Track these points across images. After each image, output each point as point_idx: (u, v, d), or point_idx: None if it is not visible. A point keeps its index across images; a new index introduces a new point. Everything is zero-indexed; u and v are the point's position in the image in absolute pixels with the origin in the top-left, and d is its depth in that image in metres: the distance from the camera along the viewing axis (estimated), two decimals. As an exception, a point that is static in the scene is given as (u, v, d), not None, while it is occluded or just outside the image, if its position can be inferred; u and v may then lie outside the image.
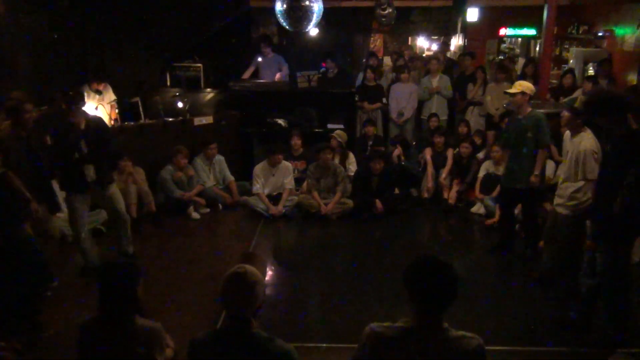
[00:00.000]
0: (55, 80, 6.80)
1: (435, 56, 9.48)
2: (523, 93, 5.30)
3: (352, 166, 7.47)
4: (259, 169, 7.11)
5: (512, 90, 5.38)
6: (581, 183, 4.41)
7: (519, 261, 5.58)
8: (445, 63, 9.58)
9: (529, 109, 5.36)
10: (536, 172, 5.32)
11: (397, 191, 7.26)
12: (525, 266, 5.44)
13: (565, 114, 4.61)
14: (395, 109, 8.46)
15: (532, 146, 5.31)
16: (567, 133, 4.73)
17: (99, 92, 6.87)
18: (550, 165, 6.79)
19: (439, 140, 7.55)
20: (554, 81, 9.36)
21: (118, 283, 2.60)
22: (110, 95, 7.13)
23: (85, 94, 6.68)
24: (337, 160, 7.27)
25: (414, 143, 8.46)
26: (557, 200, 4.70)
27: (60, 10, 7.10)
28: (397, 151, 7.70)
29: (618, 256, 3.77)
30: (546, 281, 4.93)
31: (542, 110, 5.68)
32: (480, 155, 7.48)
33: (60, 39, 7.15)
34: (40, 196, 4.63)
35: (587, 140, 4.38)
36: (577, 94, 7.65)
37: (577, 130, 4.51)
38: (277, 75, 8.88)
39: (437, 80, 8.52)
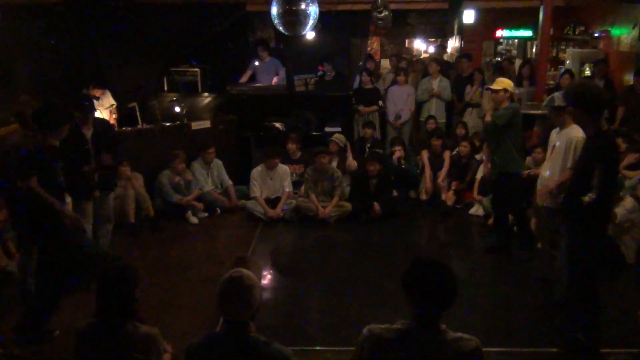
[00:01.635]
0: (52, 86, 6.80)
1: (435, 58, 9.48)
2: (505, 90, 5.40)
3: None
4: (256, 172, 7.11)
5: (494, 87, 5.47)
6: (568, 173, 4.40)
7: (516, 262, 5.57)
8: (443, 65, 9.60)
9: (506, 104, 5.43)
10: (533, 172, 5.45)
11: (395, 193, 7.27)
12: (522, 267, 5.45)
13: (550, 114, 4.74)
14: (392, 111, 8.47)
15: (511, 137, 5.41)
16: (555, 130, 4.78)
17: (96, 99, 6.84)
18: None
19: (436, 142, 7.56)
20: (551, 82, 9.37)
21: (115, 288, 2.60)
22: (109, 100, 7.14)
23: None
24: (335, 164, 7.28)
25: (408, 145, 8.45)
26: (543, 197, 4.70)
27: (58, 16, 7.11)
28: (398, 153, 7.69)
29: (580, 247, 3.80)
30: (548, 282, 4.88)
31: (538, 112, 5.73)
32: (478, 157, 7.49)
33: (57, 45, 7.16)
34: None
35: (577, 130, 4.42)
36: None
37: (565, 124, 4.57)
38: (274, 80, 8.89)
39: (438, 83, 8.53)
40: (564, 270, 4.14)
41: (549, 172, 4.65)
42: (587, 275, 3.83)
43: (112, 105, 7.11)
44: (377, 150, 7.72)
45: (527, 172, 5.64)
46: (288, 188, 7.06)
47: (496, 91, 5.43)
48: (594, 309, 3.83)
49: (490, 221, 6.60)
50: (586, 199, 3.59)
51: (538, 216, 5.05)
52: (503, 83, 5.47)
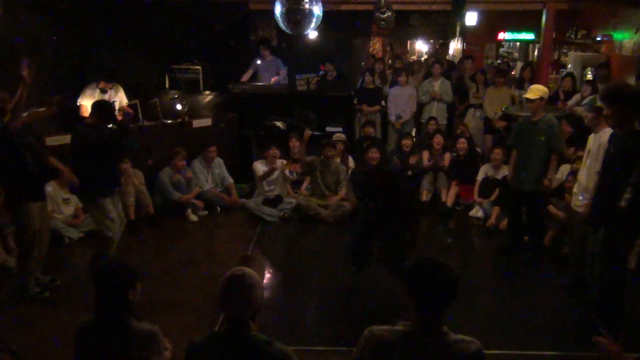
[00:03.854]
0: (54, 83, 6.79)
1: (438, 59, 9.48)
2: (542, 98, 5.32)
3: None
4: (258, 166, 7.17)
5: (531, 96, 5.34)
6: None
7: (518, 264, 5.56)
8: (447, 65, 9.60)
9: (543, 113, 5.37)
10: (550, 176, 5.39)
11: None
12: (524, 269, 5.45)
13: (588, 114, 4.63)
14: (394, 112, 8.47)
15: (543, 150, 5.34)
16: (591, 135, 4.69)
17: (104, 91, 6.85)
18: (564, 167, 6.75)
19: (437, 143, 7.55)
20: (552, 85, 9.37)
21: (113, 286, 2.59)
22: (122, 98, 7.09)
23: (90, 91, 6.82)
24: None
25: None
26: (577, 202, 4.64)
27: (60, 13, 7.09)
28: (397, 161, 7.67)
29: (619, 250, 3.82)
30: (576, 290, 4.79)
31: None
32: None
33: (59, 41, 7.15)
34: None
35: (607, 134, 4.34)
36: (576, 98, 7.68)
37: (599, 128, 4.51)
38: (273, 79, 8.89)
39: (439, 84, 8.52)
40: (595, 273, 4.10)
41: (585, 177, 4.57)
42: (620, 277, 3.87)
43: (125, 103, 7.06)
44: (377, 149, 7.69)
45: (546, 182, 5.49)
46: (287, 188, 7.11)
47: (532, 100, 5.30)
48: (621, 308, 3.91)
49: (489, 223, 6.61)
50: (623, 203, 3.58)
51: (570, 220, 4.96)
52: (538, 91, 5.34)
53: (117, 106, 6.85)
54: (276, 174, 7.12)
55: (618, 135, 3.92)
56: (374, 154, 7.03)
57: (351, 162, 7.53)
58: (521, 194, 5.55)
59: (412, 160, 7.56)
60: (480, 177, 7.10)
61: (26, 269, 4.67)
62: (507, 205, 6.19)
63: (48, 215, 5.09)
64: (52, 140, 6.20)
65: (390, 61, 11.29)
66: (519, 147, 5.57)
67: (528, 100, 5.39)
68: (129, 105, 7.06)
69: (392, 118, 8.47)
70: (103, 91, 6.86)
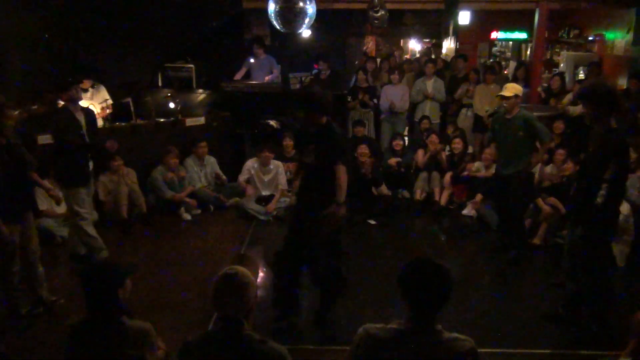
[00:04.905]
0: (46, 80, 6.75)
1: (431, 59, 9.50)
2: (517, 96, 5.43)
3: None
4: (250, 163, 7.16)
5: (506, 94, 5.45)
6: None
7: (511, 263, 5.57)
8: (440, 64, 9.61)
9: (517, 110, 5.47)
10: (535, 159, 5.49)
11: (387, 192, 7.29)
12: (516, 267, 5.47)
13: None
14: (386, 105, 8.43)
15: (523, 146, 5.43)
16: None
17: (85, 90, 6.71)
18: (539, 165, 6.83)
19: (433, 139, 7.54)
20: (545, 84, 9.42)
21: (101, 285, 2.58)
22: (103, 95, 7.07)
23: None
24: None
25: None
26: None
27: (52, 10, 7.05)
28: (393, 160, 7.67)
29: (598, 246, 3.87)
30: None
31: (535, 114, 5.77)
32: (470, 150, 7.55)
33: (52, 39, 7.11)
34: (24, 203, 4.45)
35: None
36: (568, 97, 7.72)
37: None
38: (267, 77, 8.87)
39: (432, 83, 8.53)
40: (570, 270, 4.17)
41: None
42: (602, 272, 3.93)
43: (106, 100, 7.05)
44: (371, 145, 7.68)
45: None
46: (282, 186, 7.05)
47: (508, 98, 5.42)
48: (608, 301, 3.99)
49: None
50: (599, 199, 3.62)
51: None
52: (514, 89, 5.47)
53: (97, 107, 6.78)
54: (272, 175, 7.10)
55: (595, 133, 3.99)
56: (363, 150, 7.00)
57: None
58: (504, 184, 5.60)
59: (392, 162, 7.57)
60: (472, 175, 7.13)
61: (7, 285, 4.30)
62: (496, 203, 6.22)
63: (34, 235, 4.54)
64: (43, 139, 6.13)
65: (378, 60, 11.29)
66: (498, 143, 5.77)
67: (503, 97, 5.49)
68: (121, 104, 7.03)
69: (385, 109, 8.41)
70: (84, 90, 6.63)
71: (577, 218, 3.98)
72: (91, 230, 5.24)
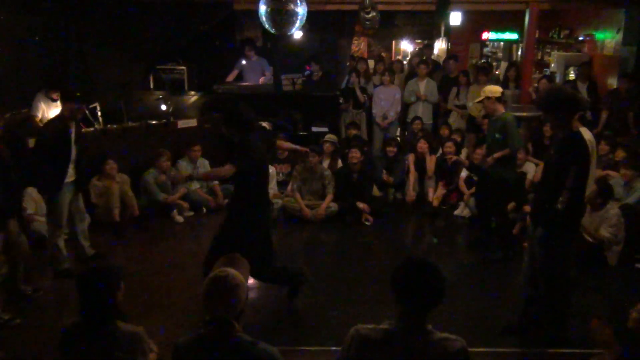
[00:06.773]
0: (36, 83, 6.72)
1: (423, 60, 9.52)
2: (487, 98, 5.44)
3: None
4: None
5: (479, 99, 5.56)
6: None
7: (500, 262, 5.60)
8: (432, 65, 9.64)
9: (501, 111, 5.48)
10: (495, 155, 5.43)
11: (378, 193, 7.29)
12: (506, 267, 5.49)
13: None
14: (379, 112, 8.48)
15: (499, 148, 5.43)
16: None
17: (53, 100, 6.53)
18: (530, 166, 6.87)
19: (422, 145, 7.56)
20: (536, 85, 9.47)
21: (97, 289, 2.57)
22: None
23: (42, 101, 6.54)
24: (326, 164, 7.27)
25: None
26: None
27: (42, 13, 7.02)
28: (387, 177, 7.65)
29: (557, 248, 3.85)
30: None
31: (523, 114, 5.78)
32: (462, 155, 7.54)
33: (41, 41, 7.08)
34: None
35: (586, 133, 4.41)
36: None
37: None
38: (261, 80, 8.86)
39: (425, 85, 8.55)
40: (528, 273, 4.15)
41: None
42: (564, 275, 3.90)
43: None
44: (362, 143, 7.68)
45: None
46: (272, 190, 7.04)
47: (481, 101, 5.51)
48: (566, 306, 3.98)
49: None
50: (559, 206, 3.64)
51: None
52: (484, 92, 5.50)
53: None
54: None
55: (557, 138, 4.00)
56: (355, 153, 7.00)
57: (340, 164, 7.51)
58: (486, 184, 5.66)
59: (385, 177, 7.53)
60: (463, 174, 7.15)
61: None
62: (476, 202, 6.25)
63: (23, 244, 4.64)
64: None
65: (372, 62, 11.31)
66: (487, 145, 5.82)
67: (479, 102, 5.59)
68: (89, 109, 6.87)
69: (378, 118, 8.48)
70: (53, 100, 6.54)
71: (537, 220, 3.97)
72: (60, 242, 5.10)
